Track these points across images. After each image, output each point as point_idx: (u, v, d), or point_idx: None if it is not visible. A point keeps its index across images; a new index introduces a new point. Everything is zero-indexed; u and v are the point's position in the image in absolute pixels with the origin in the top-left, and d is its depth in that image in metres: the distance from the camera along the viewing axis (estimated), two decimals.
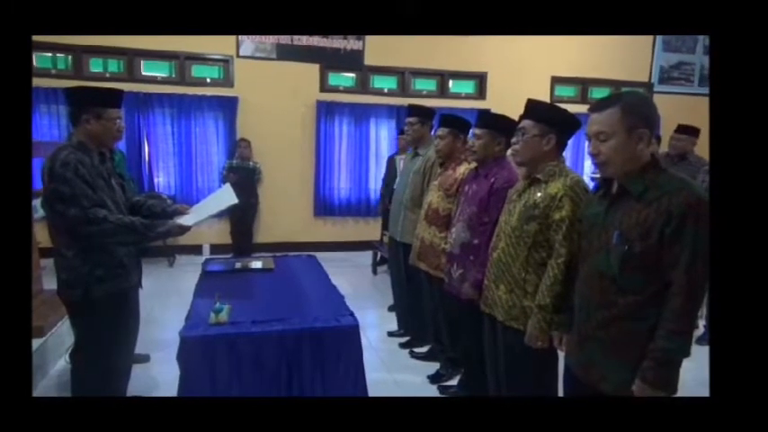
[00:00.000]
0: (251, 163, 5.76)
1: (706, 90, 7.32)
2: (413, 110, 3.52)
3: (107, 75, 5.64)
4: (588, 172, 6.67)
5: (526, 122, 1.99)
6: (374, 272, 5.60)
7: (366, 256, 5.85)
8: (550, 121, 1.97)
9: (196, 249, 5.84)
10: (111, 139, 2.20)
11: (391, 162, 5.58)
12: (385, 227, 5.22)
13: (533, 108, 2.01)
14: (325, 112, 6.18)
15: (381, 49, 6.19)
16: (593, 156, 1.54)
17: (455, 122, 3.02)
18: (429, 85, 6.61)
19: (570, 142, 2.15)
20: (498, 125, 2.53)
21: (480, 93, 6.71)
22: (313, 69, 6.12)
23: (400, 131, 5.51)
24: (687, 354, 1.42)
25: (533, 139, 1.96)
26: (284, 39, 5.97)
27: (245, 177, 5.59)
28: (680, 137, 4.07)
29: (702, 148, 4.45)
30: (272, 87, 5.99)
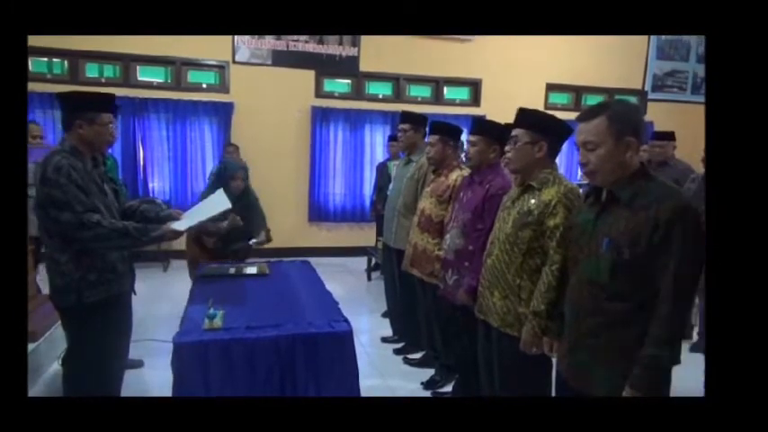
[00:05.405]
0: None
1: (699, 98, 7.38)
2: (405, 116, 3.54)
3: (103, 80, 5.64)
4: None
5: (517, 130, 2.02)
6: (369, 277, 5.59)
7: (361, 262, 5.84)
8: (541, 128, 1.99)
9: None
10: (103, 144, 2.20)
11: (382, 168, 5.58)
12: (379, 233, 5.23)
13: (524, 116, 2.04)
14: (320, 117, 6.20)
15: (376, 55, 6.22)
16: (583, 165, 1.56)
17: (445, 129, 3.04)
18: (424, 91, 6.64)
19: (564, 150, 2.17)
20: (493, 132, 2.54)
21: (475, 99, 6.74)
22: (308, 75, 6.14)
23: (391, 138, 5.53)
24: (676, 361, 1.43)
25: (525, 147, 1.99)
26: (280, 45, 5.99)
27: None
28: (661, 143, 4.11)
29: (686, 152, 4.53)
30: (267, 93, 6.00)
